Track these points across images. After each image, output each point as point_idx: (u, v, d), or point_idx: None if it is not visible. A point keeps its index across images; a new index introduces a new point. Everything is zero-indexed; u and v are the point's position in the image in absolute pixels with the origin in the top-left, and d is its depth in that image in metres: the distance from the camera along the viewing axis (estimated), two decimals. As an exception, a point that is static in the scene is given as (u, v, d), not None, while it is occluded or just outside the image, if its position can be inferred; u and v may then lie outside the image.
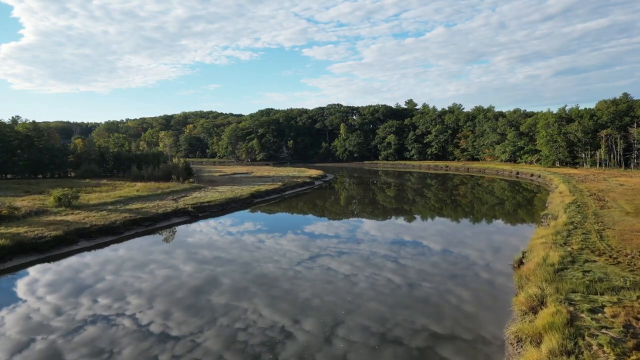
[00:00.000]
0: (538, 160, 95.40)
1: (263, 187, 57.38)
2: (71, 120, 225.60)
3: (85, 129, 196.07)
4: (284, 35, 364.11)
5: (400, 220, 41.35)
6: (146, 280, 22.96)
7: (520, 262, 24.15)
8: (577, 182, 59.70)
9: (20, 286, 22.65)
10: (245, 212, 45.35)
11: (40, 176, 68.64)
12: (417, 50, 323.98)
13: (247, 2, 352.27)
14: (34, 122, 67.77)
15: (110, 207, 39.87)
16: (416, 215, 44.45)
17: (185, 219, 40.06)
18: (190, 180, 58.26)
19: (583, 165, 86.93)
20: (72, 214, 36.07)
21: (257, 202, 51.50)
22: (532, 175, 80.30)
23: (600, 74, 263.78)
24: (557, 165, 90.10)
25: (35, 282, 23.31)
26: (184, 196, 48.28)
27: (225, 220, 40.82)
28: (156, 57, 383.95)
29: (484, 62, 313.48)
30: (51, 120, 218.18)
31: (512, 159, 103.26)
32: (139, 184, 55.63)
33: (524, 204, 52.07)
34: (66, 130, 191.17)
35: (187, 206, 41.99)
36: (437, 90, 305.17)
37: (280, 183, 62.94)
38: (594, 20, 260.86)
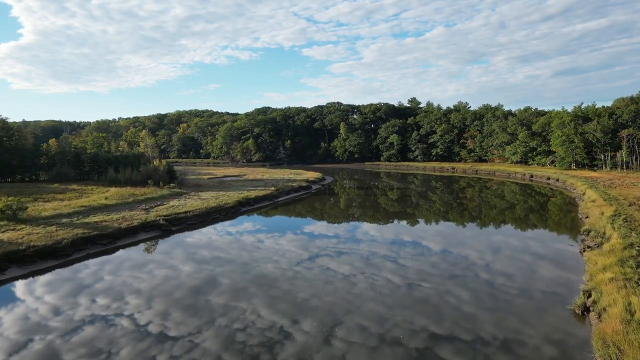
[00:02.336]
0: (552, 162, 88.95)
1: (253, 193, 50.98)
2: (64, 120, 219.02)
3: (77, 128, 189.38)
4: (283, 35, 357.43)
5: (414, 244, 34.92)
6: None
7: (585, 308, 17.76)
8: (604, 187, 53.33)
9: None
10: (229, 224, 38.95)
11: (10, 179, 62.26)
12: (416, 50, 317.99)
13: (246, 2, 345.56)
14: (2, 120, 61.34)
15: (64, 220, 33.44)
16: (434, 236, 38.01)
17: (154, 234, 33.65)
18: (171, 185, 51.82)
19: (602, 167, 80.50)
20: (14, 229, 29.66)
21: (245, 211, 45.09)
22: (548, 178, 73.87)
23: (600, 74, 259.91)
24: (573, 167, 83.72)
25: None
26: (159, 205, 41.87)
27: (202, 235, 34.33)
28: (155, 57, 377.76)
29: (483, 62, 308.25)
30: (42, 119, 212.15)
31: (524, 161, 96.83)
32: (112, 190, 49.23)
33: (549, 213, 45.61)
34: (56, 129, 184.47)
35: (159, 218, 35.55)
36: (437, 91, 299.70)
37: (272, 188, 56.53)
38: (594, 20, 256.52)
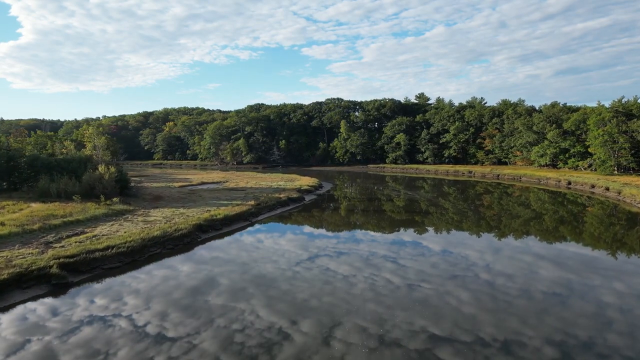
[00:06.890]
0: (590, 165, 75.97)
1: (223, 211, 38.05)
2: (47, 118, 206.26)
3: (57, 127, 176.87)
4: (283, 34, 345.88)
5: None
6: None
7: None
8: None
9: None
10: (173, 263, 26.01)
11: None
12: (417, 49, 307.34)
13: (246, 1, 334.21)
14: None
15: None
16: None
17: (38, 293, 20.77)
18: (114, 199, 38.95)
19: (653, 172, 67.57)
20: None
21: (205, 238, 32.19)
22: (592, 186, 60.79)
23: (600, 74, 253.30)
24: (615, 172, 70.79)
25: None
26: (77, 233, 28.98)
27: (107, 295, 21.37)
28: (155, 56, 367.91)
29: (484, 62, 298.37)
30: (24, 118, 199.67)
31: (553, 164, 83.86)
32: (30, 208, 36.46)
33: (633, 240, 32.49)
34: (36, 128, 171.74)
35: (53, 262, 22.61)
36: (437, 90, 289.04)
37: (252, 202, 43.65)
38: (595, 19, 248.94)
